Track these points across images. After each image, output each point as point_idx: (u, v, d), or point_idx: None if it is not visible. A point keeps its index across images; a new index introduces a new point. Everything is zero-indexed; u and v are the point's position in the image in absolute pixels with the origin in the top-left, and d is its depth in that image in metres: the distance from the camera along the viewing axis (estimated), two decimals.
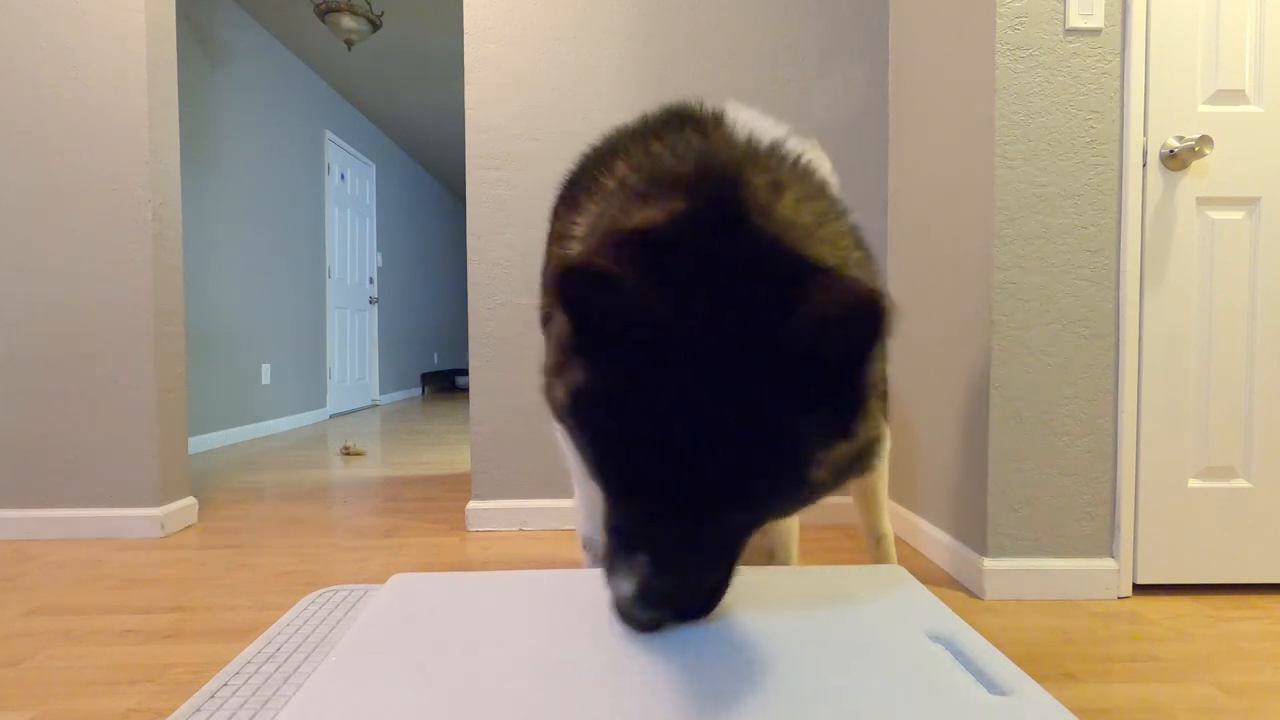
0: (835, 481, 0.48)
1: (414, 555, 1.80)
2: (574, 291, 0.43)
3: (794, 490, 0.46)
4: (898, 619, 0.52)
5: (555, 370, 0.50)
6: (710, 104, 0.65)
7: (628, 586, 0.48)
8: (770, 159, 0.56)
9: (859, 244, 0.55)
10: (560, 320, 0.49)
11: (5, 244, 1.95)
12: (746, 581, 0.60)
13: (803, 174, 0.56)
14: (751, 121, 0.62)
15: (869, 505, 1.36)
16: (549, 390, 0.52)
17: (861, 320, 0.41)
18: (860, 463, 0.49)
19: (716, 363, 0.43)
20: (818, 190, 0.55)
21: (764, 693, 0.42)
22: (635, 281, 0.43)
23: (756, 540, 0.84)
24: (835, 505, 2.05)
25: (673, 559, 0.48)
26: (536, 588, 0.59)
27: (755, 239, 0.47)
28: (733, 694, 0.42)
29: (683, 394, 0.43)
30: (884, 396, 0.51)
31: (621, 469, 0.45)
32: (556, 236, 0.70)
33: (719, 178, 0.52)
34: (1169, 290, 1.48)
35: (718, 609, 0.53)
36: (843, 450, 0.46)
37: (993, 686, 0.43)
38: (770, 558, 0.84)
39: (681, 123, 0.63)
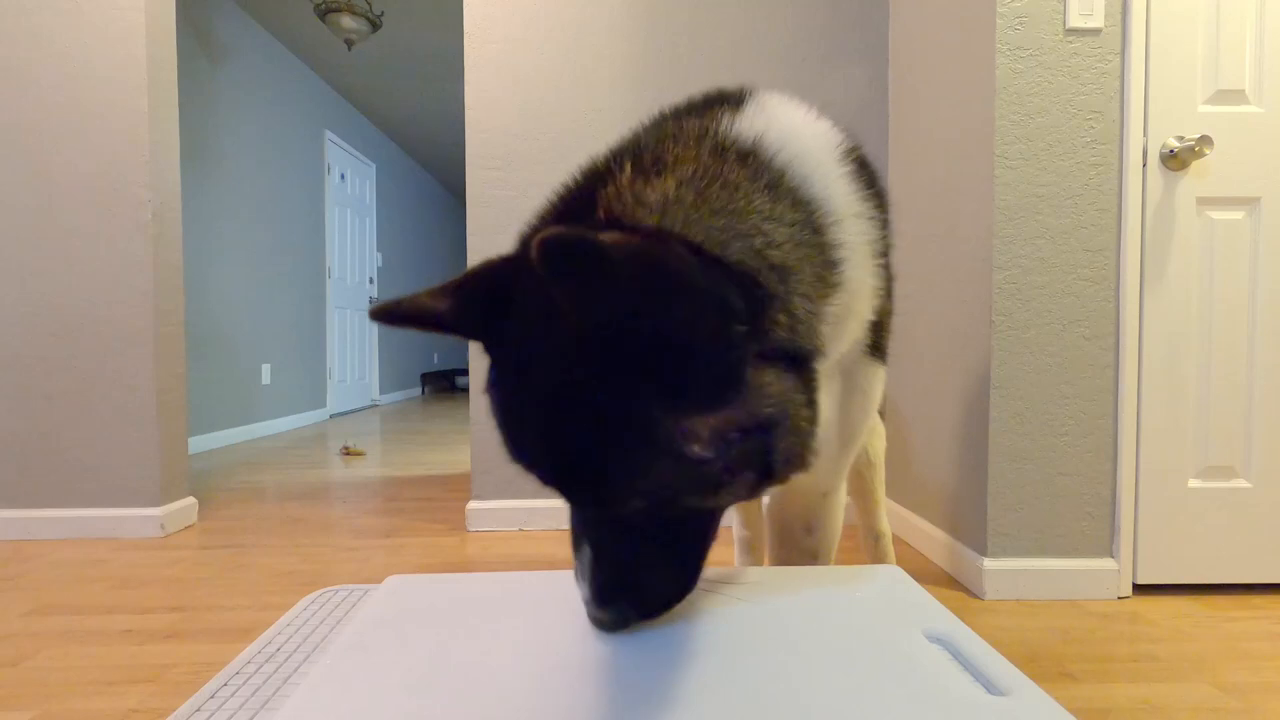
0: (732, 455, 0.45)
1: (414, 555, 1.80)
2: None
3: (661, 465, 0.44)
4: (895, 619, 0.52)
5: None
6: (742, 91, 0.63)
7: (583, 586, 0.49)
8: (685, 147, 0.52)
9: (749, 231, 0.49)
10: None
11: (5, 244, 1.95)
12: (742, 581, 0.60)
13: (715, 165, 0.51)
14: (770, 108, 0.60)
15: (866, 504, 1.36)
16: None
17: (636, 272, 0.39)
18: (772, 436, 0.46)
19: (533, 350, 0.44)
20: (721, 179, 0.50)
21: (760, 693, 0.42)
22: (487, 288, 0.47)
23: (802, 540, 0.82)
24: None
25: (605, 547, 0.48)
26: (533, 589, 0.59)
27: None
28: (728, 695, 0.42)
29: (517, 387, 0.45)
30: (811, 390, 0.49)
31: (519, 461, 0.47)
32: None
33: (587, 172, 0.53)
34: (1169, 290, 1.48)
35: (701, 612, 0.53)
36: (719, 421, 0.44)
37: (991, 687, 0.42)
38: (815, 558, 0.83)
39: (688, 111, 0.61)
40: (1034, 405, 1.50)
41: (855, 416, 0.70)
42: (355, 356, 5.80)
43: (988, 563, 1.50)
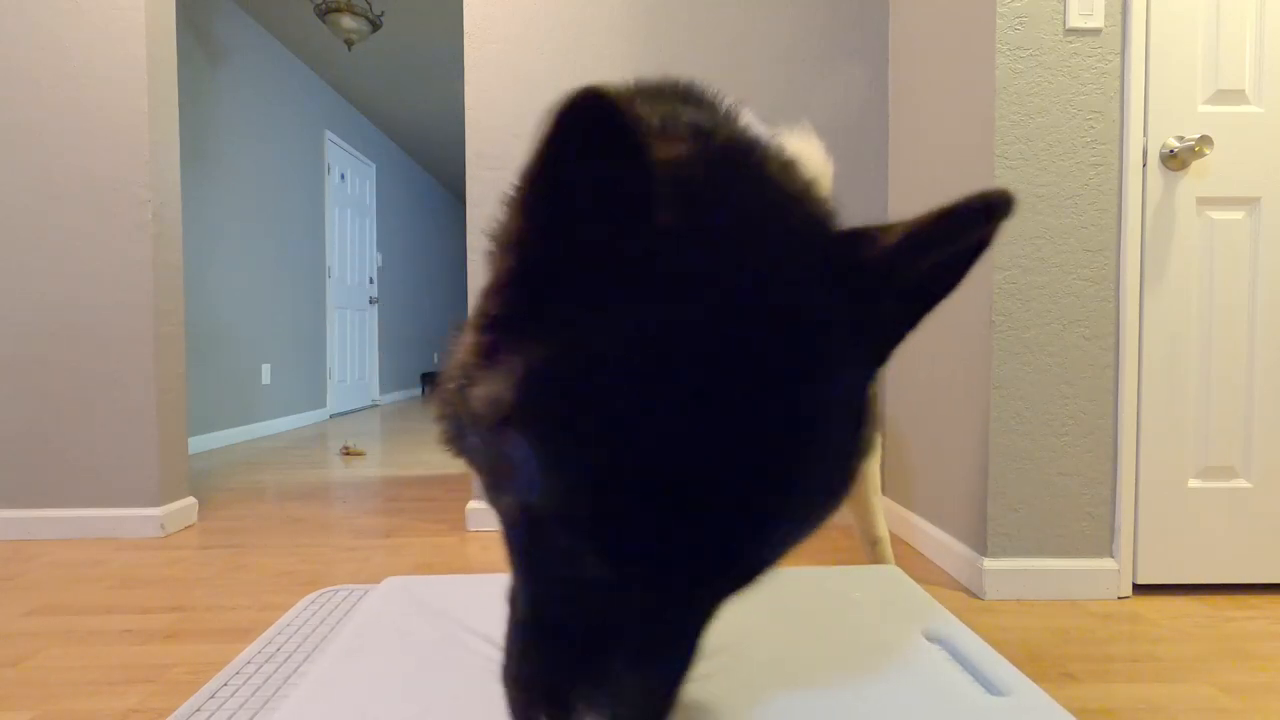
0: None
1: (414, 555, 1.80)
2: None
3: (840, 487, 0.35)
4: (895, 619, 0.52)
5: (481, 352, 0.34)
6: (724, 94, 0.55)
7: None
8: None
9: None
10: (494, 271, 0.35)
11: (5, 244, 1.95)
12: None
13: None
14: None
15: (862, 509, 1.32)
16: (463, 390, 0.34)
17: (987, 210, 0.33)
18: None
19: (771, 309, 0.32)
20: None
21: (762, 694, 0.42)
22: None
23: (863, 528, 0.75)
24: None
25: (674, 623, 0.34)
26: None
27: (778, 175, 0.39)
28: (730, 695, 0.42)
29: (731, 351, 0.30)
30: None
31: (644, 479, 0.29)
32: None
33: (723, 127, 0.43)
34: (1169, 290, 1.48)
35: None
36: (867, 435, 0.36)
37: (991, 687, 0.43)
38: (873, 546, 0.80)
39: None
40: (1034, 405, 1.50)
41: None
42: (355, 356, 5.79)
43: (988, 563, 1.50)
